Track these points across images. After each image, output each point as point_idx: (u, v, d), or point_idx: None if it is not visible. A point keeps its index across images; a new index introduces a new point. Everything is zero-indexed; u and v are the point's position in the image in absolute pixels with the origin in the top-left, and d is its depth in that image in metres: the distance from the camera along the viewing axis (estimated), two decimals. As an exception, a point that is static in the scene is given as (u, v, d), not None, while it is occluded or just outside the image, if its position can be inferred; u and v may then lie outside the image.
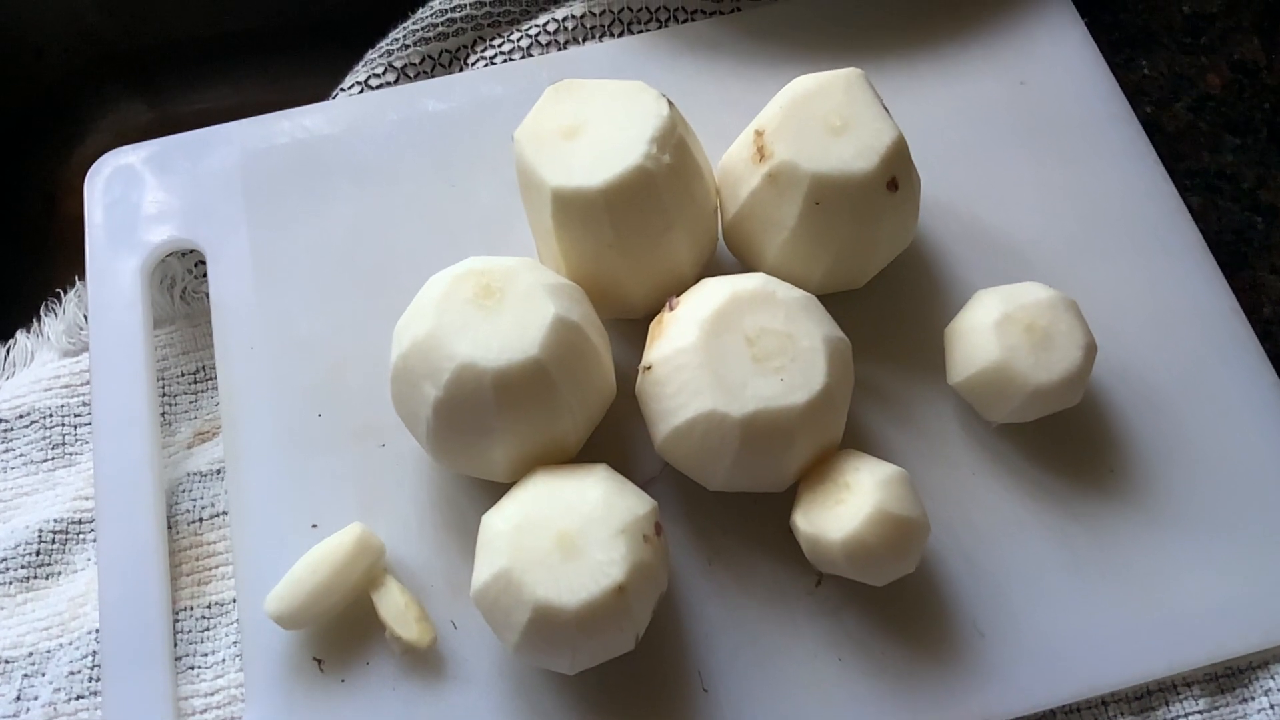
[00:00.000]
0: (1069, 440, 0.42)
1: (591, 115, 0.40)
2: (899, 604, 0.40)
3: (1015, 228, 0.46)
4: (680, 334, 0.38)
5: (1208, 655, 0.39)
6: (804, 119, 0.40)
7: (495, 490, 0.39)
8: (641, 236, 0.40)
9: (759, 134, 0.41)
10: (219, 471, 0.45)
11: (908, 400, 0.43)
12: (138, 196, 0.48)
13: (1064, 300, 0.40)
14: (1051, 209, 0.47)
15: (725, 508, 0.41)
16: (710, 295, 0.38)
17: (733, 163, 0.43)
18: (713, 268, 0.44)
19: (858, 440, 0.42)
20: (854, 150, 0.40)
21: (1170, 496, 0.42)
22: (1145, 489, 0.42)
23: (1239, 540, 0.41)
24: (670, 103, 0.40)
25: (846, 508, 0.37)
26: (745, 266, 0.43)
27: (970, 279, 0.45)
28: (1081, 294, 0.42)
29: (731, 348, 0.37)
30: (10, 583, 0.44)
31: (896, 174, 0.40)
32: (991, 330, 0.40)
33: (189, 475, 0.45)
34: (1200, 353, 0.44)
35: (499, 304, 0.37)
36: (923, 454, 0.42)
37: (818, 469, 0.38)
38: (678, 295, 0.40)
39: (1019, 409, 0.40)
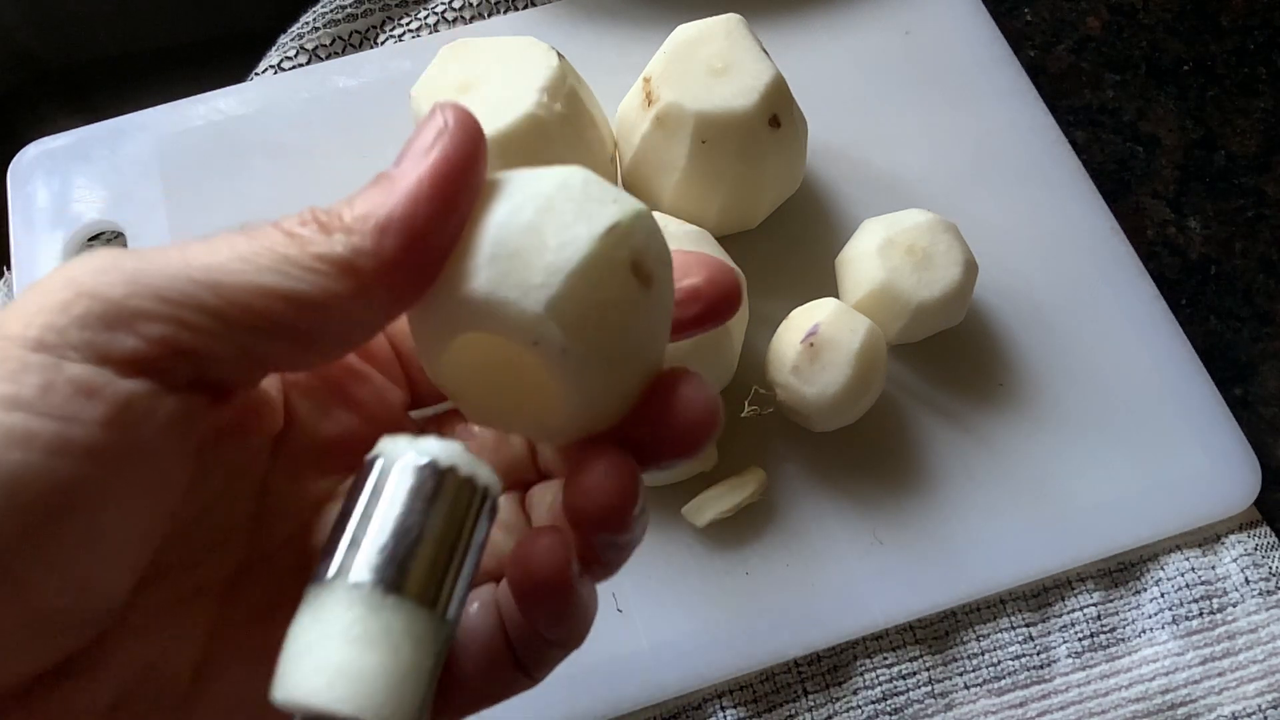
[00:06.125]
0: (959, 358, 0.44)
1: (484, 70, 0.42)
2: (798, 519, 0.41)
3: (903, 168, 0.48)
4: (577, 271, 0.40)
5: (1099, 550, 0.41)
6: (687, 63, 0.42)
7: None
8: (538, 184, 0.42)
9: (646, 80, 0.43)
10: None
11: (807, 332, 0.45)
12: (59, 182, 0.50)
13: (943, 223, 0.42)
14: (938, 149, 0.49)
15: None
16: (605, 233, 0.40)
17: (626, 111, 0.44)
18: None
19: (756, 369, 0.44)
20: (735, 89, 0.41)
21: (1058, 407, 0.43)
22: (1033, 401, 0.43)
23: (1124, 445, 0.43)
24: (560, 55, 0.42)
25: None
26: (644, 211, 0.45)
27: (861, 216, 0.47)
28: (967, 223, 0.44)
29: (625, 280, 0.39)
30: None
31: (778, 111, 0.42)
32: (875, 254, 0.42)
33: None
34: (1083, 272, 0.46)
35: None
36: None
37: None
38: (576, 237, 0.42)
39: (907, 327, 0.42)
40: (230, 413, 0.24)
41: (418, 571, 0.21)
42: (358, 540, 0.21)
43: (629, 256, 0.23)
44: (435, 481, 0.22)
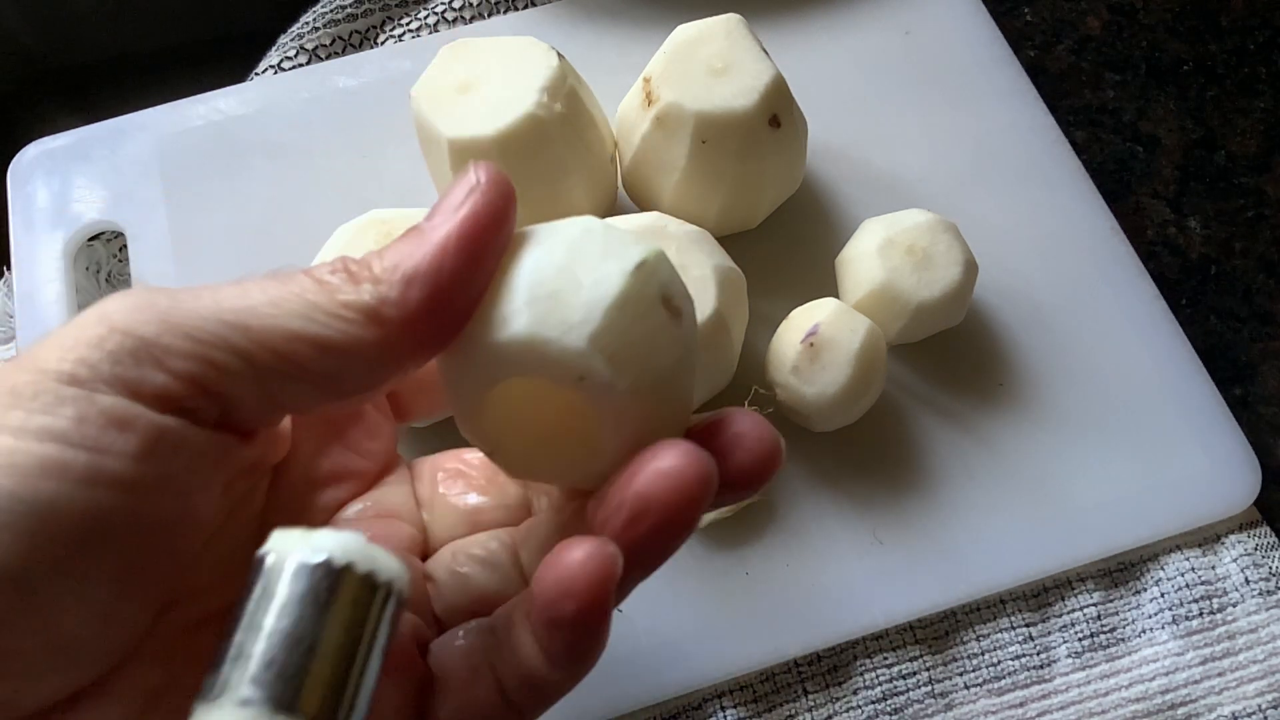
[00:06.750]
0: (959, 359, 0.44)
1: (484, 70, 0.42)
2: (797, 519, 0.41)
3: (903, 168, 0.48)
4: (577, 270, 0.40)
5: (1099, 550, 0.41)
6: (687, 63, 0.42)
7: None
8: (538, 184, 0.42)
9: (646, 80, 0.43)
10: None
11: (807, 331, 0.45)
12: (59, 182, 0.50)
13: (943, 223, 0.42)
14: (938, 149, 0.49)
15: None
16: (605, 233, 0.40)
17: (626, 111, 0.44)
18: (614, 215, 0.45)
19: (756, 369, 0.44)
20: (735, 89, 0.41)
21: (1058, 407, 0.43)
22: (1034, 401, 0.43)
23: (1124, 445, 0.43)
24: (560, 55, 0.42)
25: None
26: (644, 211, 0.45)
27: (861, 216, 0.46)
28: (967, 223, 0.44)
29: (625, 280, 0.39)
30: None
31: (778, 111, 0.42)
32: (875, 254, 0.42)
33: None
34: (1083, 272, 0.46)
35: (400, 250, 0.39)
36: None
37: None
38: (576, 237, 0.42)
39: (907, 327, 0.42)
40: (255, 451, 0.24)
41: (312, 686, 0.19)
42: (246, 652, 0.19)
43: (659, 291, 0.23)
44: (330, 582, 0.20)
